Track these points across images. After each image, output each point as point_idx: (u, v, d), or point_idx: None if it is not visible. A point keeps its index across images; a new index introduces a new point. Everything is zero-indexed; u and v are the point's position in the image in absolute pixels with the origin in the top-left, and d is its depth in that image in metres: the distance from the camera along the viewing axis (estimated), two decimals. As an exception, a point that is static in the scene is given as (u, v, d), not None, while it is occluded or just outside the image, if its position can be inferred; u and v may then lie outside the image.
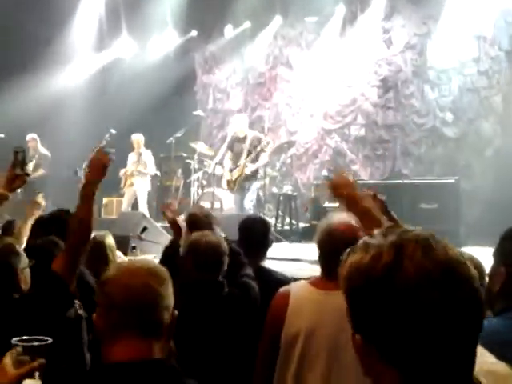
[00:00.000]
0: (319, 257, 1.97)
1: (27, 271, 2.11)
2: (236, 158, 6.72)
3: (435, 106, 7.93)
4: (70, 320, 2.09)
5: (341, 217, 1.96)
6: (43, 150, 7.77)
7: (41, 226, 2.98)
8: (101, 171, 2.07)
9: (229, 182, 6.78)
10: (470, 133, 7.59)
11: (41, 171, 7.55)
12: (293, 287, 2.00)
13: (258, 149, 6.54)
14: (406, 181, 6.91)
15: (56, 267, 2.05)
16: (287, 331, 1.88)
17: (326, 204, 7.21)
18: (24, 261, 2.10)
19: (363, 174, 8.29)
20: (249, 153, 6.57)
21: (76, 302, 2.22)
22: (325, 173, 7.74)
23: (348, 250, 0.85)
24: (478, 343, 0.77)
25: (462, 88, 7.79)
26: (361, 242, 0.82)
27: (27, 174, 2.48)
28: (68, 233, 2.16)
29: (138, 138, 7.60)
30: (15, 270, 2.03)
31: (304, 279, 2.11)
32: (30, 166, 7.40)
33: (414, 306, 0.72)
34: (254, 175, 6.68)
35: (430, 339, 0.72)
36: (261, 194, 7.30)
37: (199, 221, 3.00)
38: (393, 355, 0.74)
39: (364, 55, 8.55)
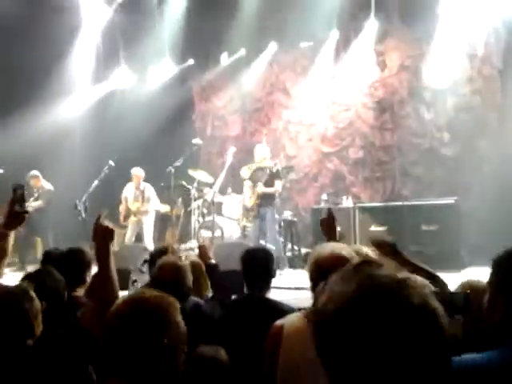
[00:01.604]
0: (310, 288, 1.96)
1: (40, 316, 2.11)
2: (254, 187, 6.76)
3: (432, 126, 7.99)
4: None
5: (331, 247, 1.96)
6: (46, 185, 7.75)
7: (51, 257, 3.00)
8: (108, 239, 2.08)
9: (248, 211, 6.83)
10: (468, 152, 7.62)
11: (37, 202, 7.55)
12: (287, 320, 1.98)
13: (270, 173, 6.57)
14: (406, 203, 6.92)
15: (85, 323, 2.09)
16: (281, 367, 1.86)
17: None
18: (37, 305, 2.09)
19: (363, 196, 8.30)
20: (265, 180, 6.61)
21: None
22: (324, 197, 7.75)
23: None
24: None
25: (457, 107, 7.86)
26: (326, 285, 0.84)
27: (26, 212, 2.46)
28: (95, 292, 2.19)
29: (137, 173, 7.58)
30: (29, 315, 2.02)
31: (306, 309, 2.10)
32: (31, 200, 7.43)
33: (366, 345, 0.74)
34: (269, 202, 6.61)
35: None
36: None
37: None
38: None
39: (359, 78, 8.66)
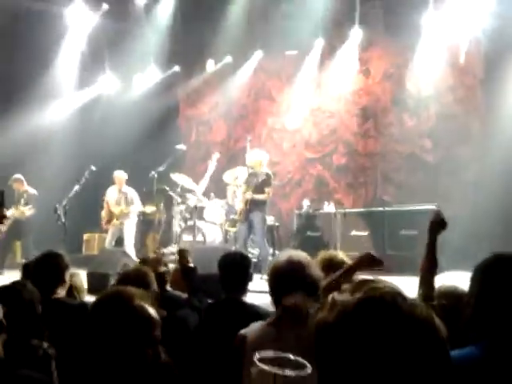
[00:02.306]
0: (269, 293, 1.98)
1: None
2: (246, 192, 6.69)
3: (414, 133, 8.07)
4: (39, 358, 2.10)
5: (289, 254, 1.99)
6: (30, 190, 7.62)
7: (29, 269, 3.00)
8: None
9: (239, 214, 6.81)
10: (449, 159, 7.70)
11: (31, 211, 7.42)
12: (249, 329, 1.98)
13: (261, 178, 6.54)
14: (387, 208, 6.96)
15: None
16: (246, 375, 1.84)
17: (309, 233, 7.22)
18: None
19: (346, 201, 8.34)
20: (256, 186, 6.57)
21: (44, 342, 2.22)
22: (307, 202, 7.76)
23: (317, 306, 0.89)
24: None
25: (439, 115, 7.95)
26: (329, 299, 0.85)
27: (4, 216, 2.46)
28: None
29: (120, 175, 7.51)
30: None
31: None
32: (20, 206, 7.33)
33: (375, 362, 0.74)
34: (259, 207, 6.57)
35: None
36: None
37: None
38: None
39: (343, 86, 8.74)
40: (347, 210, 7.39)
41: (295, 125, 9.06)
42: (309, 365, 0.92)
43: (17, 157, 7.91)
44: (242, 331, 2.00)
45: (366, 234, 6.81)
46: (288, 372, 0.87)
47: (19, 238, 7.67)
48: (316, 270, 1.98)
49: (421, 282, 2.33)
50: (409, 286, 2.36)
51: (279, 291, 1.94)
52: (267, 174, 6.67)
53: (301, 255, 2.00)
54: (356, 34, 8.67)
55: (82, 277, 3.40)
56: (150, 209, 8.08)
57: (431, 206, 6.68)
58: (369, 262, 2.40)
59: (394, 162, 8.15)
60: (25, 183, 7.59)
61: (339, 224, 7.01)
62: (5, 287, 2.59)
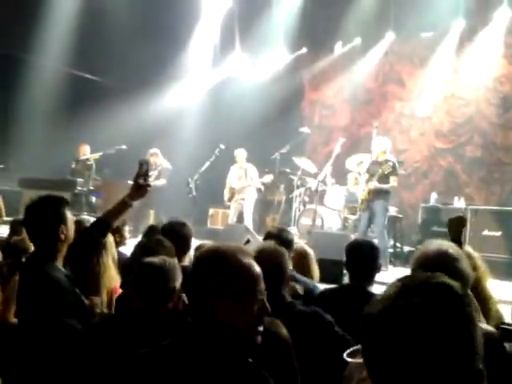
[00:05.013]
0: None
1: None
2: (369, 181, 6.48)
3: None
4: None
5: (438, 244, 1.87)
6: (165, 163, 8.08)
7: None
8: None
9: (361, 203, 6.69)
10: None
11: (161, 181, 7.89)
12: None
13: (387, 171, 6.27)
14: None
15: None
16: None
17: (435, 228, 6.86)
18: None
19: (477, 198, 7.75)
20: (380, 175, 6.33)
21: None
22: (434, 195, 7.35)
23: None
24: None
25: None
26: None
27: (149, 185, 2.62)
28: None
29: (240, 153, 7.82)
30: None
31: None
32: (152, 177, 7.87)
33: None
34: (381, 196, 6.35)
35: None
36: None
37: None
38: None
39: (483, 71, 8.05)
40: (479, 207, 6.86)
41: (425, 111, 8.55)
42: None
43: (155, 133, 8.50)
44: None
45: (498, 234, 6.29)
46: None
47: (152, 207, 8.28)
48: (467, 265, 1.84)
49: None
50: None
51: None
52: (393, 163, 6.38)
53: (452, 247, 1.87)
54: (502, 14, 7.90)
55: None
56: (268, 178, 8.19)
57: None
58: None
59: (537, 157, 7.38)
60: (160, 157, 8.11)
61: (469, 221, 6.54)
62: (144, 243, 2.77)
